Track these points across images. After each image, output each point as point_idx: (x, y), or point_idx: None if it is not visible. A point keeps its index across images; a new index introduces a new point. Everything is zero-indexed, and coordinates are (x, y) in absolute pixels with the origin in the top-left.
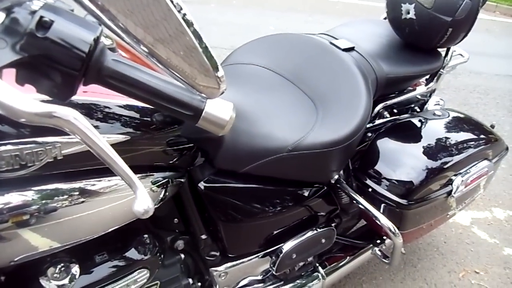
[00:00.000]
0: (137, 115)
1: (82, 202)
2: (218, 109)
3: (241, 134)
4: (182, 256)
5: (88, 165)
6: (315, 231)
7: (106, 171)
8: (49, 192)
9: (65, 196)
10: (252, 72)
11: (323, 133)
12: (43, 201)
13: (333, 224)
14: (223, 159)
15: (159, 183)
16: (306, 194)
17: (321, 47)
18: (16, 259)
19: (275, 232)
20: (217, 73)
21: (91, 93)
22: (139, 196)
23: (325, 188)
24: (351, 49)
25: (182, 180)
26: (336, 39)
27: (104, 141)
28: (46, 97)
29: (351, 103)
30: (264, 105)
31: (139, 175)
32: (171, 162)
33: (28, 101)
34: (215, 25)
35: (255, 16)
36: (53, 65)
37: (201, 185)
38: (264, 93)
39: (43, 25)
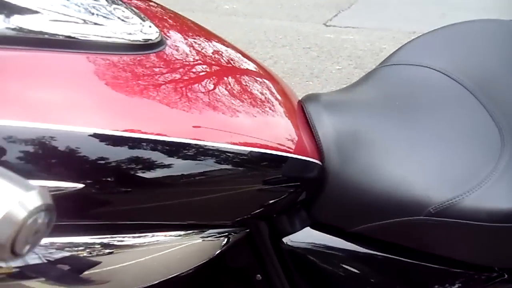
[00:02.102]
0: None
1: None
2: None
3: (356, 175)
4: None
5: None
6: None
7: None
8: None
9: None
10: (418, 78)
11: (505, 193)
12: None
13: None
14: (324, 210)
15: (212, 237)
16: (461, 279)
17: None
18: None
19: None
20: None
21: None
22: None
23: (505, 276)
24: None
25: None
26: None
27: None
28: None
29: None
30: (413, 132)
31: (180, 232)
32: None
33: None
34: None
35: None
36: None
37: (287, 240)
38: (422, 111)
39: None
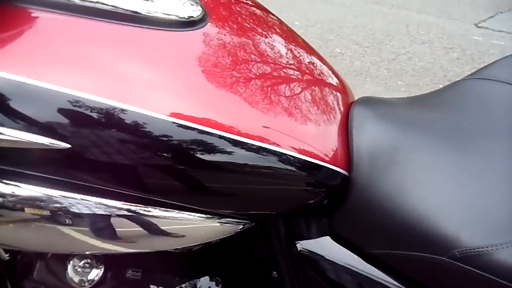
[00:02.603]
0: None
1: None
2: None
3: (382, 195)
4: None
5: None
6: None
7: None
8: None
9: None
10: (503, 98)
11: None
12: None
13: None
14: (343, 223)
15: (229, 224)
16: None
17: None
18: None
19: None
20: None
21: None
22: None
23: None
24: None
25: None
26: None
27: None
28: None
29: None
30: (466, 160)
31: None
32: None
33: None
34: None
35: None
36: None
37: (300, 244)
38: (491, 138)
39: None
